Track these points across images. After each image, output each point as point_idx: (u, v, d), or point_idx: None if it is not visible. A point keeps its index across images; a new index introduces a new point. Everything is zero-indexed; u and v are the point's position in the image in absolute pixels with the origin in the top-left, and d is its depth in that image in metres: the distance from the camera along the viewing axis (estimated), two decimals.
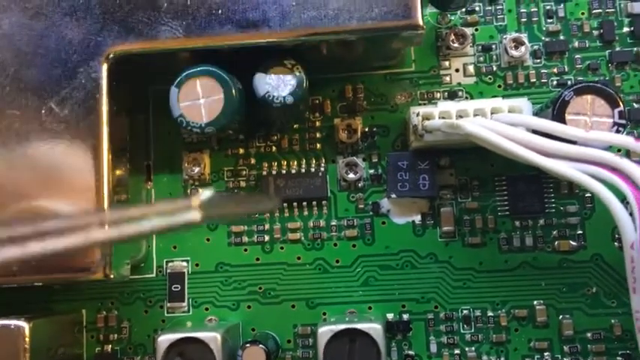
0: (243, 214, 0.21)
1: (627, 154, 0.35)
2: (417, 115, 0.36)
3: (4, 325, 0.32)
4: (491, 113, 0.34)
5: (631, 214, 0.30)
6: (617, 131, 0.32)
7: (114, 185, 0.35)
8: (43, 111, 0.33)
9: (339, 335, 0.33)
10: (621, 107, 0.33)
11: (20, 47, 0.34)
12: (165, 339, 0.34)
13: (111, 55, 0.33)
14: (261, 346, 0.35)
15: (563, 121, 0.33)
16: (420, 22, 0.33)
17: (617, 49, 0.39)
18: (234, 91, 0.34)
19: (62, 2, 0.34)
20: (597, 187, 0.30)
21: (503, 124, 0.33)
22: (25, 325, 0.32)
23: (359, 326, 0.33)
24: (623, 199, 0.30)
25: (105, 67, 0.33)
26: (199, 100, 0.34)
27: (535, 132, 0.32)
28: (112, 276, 0.33)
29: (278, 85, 0.34)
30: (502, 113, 0.34)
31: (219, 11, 0.33)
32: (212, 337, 0.33)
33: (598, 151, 0.31)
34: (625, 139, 0.31)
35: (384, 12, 0.33)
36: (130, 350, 0.39)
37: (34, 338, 0.33)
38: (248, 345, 0.35)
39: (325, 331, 0.33)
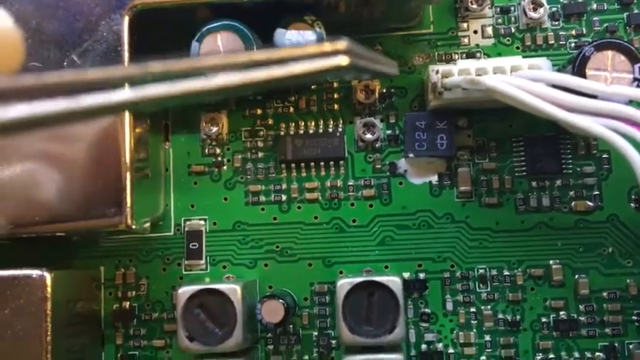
0: (376, 71, 0.20)
1: None
2: (437, 72, 0.36)
3: (26, 275, 0.33)
4: (511, 71, 0.34)
5: None
6: (638, 86, 0.33)
7: (134, 143, 0.35)
8: (65, 63, 0.33)
9: (358, 288, 0.34)
10: None
11: (42, 0, 0.34)
12: (185, 290, 0.34)
13: (133, 8, 0.33)
14: (280, 300, 0.35)
15: (583, 76, 0.33)
16: None
17: (635, 11, 0.39)
18: (255, 46, 0.34)
19: None
20: (618, 141, 0.31)
21: (524, 79, 0.33)
22: (47, 275, 0.33)
23: (378, 279, 0.34)
24: None
25: (126, 20, 0.34)
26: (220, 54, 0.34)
27: (556, 88, 0.32)
28: (133, 226, 0.33)
29: (298, 41, 0.35)
30: (522, 70, 0.34)
31: None
32: (232, 289, 0.34)
33: (619, 106, 0.31)
34: None
35: None
36: (148, 307, 0.39)
37: (55, 289, 0.33)
38: (267, 299, 0.35)
39: (344, 284, 0.34)
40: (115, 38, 0.34)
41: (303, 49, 0.18)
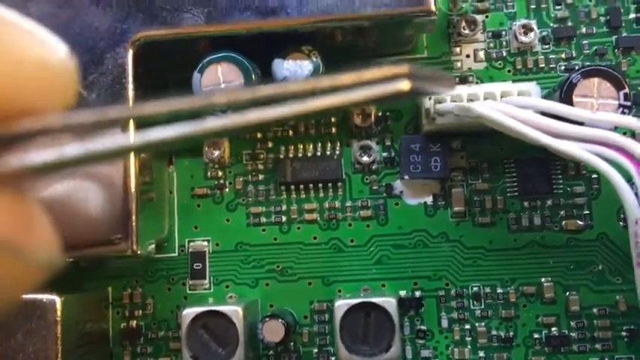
0: (433, 92, 0.19)
1: (632, 134, 0.36)
2: (430, 98, 0.37)
3: (36, 299, 0.34)
4: (501, 96, 0.36)
5: (636, 194, 0.31)
6: (623, 113, 0.34)
7: (139, 168, 0.36)
8: None
9: (354, 309, 0.35)
10: (626, 89, 0.34)
11: None
12: (189, 312, 0.35)
13: (136, 42, 0.35)
14: (280, 320, 0.36)
15: (570, 103, 0.34)
16: (433, 8, 0.34)
17: (624, 34, 0.40)
18: (253, 76, 0.35)
19: None
20: (603, 166, 0.32)
21: (512, 106, 0.34)
22: (57, 299, 0.34)
23: (374, 300, 0.35)
24: (630, 179, 0.31)
25: (130, 53, 0.35)
26: (220, 85, 0.35)
27: (544, 114, 0.34)
28: (139, 252, 0.34)
29: (295, 70, 0.36)
30: (512, 96, 0.35)
31: None
32: (234, 310, 0.35)
33: (604, 132, 0.32)
34: (630, 120, 0.33)
35: None
36: (154, 325, 0.40)
37: (64, 312, 0.34)
38: (268, 319, 0.37)
39: (341, 305, 0.35)
40: (120, 71, 0.35)
41: (366, 76, 0.17)
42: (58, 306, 0.34)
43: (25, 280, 0.17)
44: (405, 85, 0.17)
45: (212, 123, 0.17)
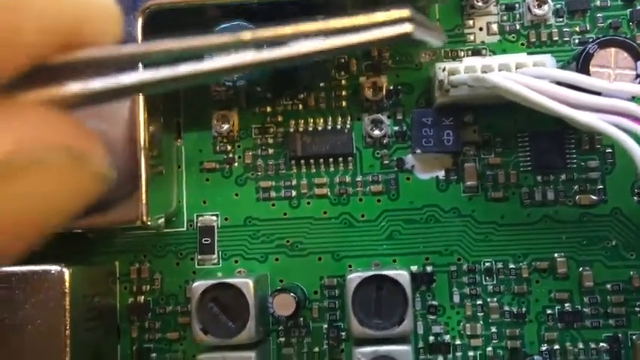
0: (429, 39, 0.20)
1: None
2: (443, 70, 0.37)
3: (45, 270, 0.34)
4: (516, 68, 0.35)
5: None
6: None
7: (148, 142, 0.36)
8: None
9: (367, 281, 0.34)
10: None
11: None
12: (199, 285, 0.35)
13: (146, 10, 0.34)
14: (291, 294, 0.36)
15: (587, 73, 0.33)
16: None
17: (639, 7, 0.39)
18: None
19: None
20: (620, 136, 0.31)
21: (529, 76, 0.33)
22: (66, 271, 0.34)
23: (386, 273, 0.34)
24: None
25: (140, 21, 0.34)
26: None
27: (560, 85, 0.33)
28: (149, 223, 0.34)
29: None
30: (527, 67, 0.35)
31: None
32: (244, 282, 0.35)
33: (621, 102, 0.32)
34: None
35: None
36: (162, 300, 0.40)
37: (73, 284, 0.34)
38: (278, 293, 0.36)
39: (354, 278, 0.35)
40: (129, 39, 0.34)
41: (372, 18, 0.18)
42: (67, 277, 0.34)
43: (88, 189, 0.19)
44: (408, 28, 0.17)
45: (228, 60, 0.17)
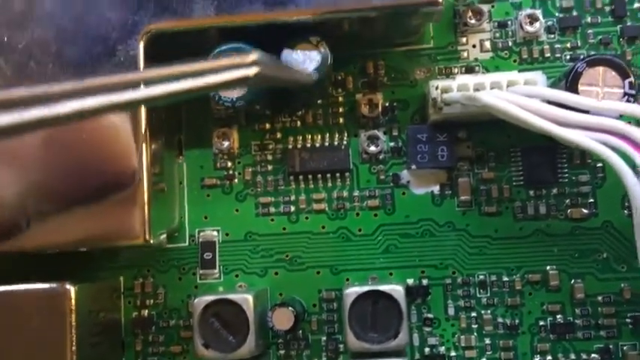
0: (286, 81, 0.21)
1: (637, 122, 0.37)
2: (437, 88, 0.38)
3: (51, 288, 0.35)
4: (508, 86, 0.36)
5: None
6: (628, 101, 0.34)
7: (150, 159, 0.37)
8: None
9: (363, 297, 0.35)
10: (631, 78, 0.34)
11: (62, 26, 0.36)
12: (201, 301, 0.36)
13: (147, 33, 0.35)
14: (290, 308, 0.37)
15: (576, 91, 0.34)
16: None
17: (629, 24, 0.40)
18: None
19: None
20: (608, 154, 0.32)
21: (519, 95, 0.34)
22: (72, 288, 0.35)
23: (382, 288, 0.35)
24: (634, 166, 0.32)
25: (142, 44, 0.35)
26: None
27: (550, 103, 0.34)
28: (151, 241, 0.35)
29: (304, 60, 0.36)
30: (518, 85, 0.36)
31: None
32: (244, 298, 0.36)
33: (609, 120, 0.33)
34: (634, 108, 0.33)
35: None
36: (165, 315, 0.41)
37: (78, 301, 0.35)
38: (277, 307, 0.37)
39: (350, 293, 0.35)
40: (131, 62, 0.35)
41: (218, 63, 0.21)
42: (73, 295, 0.35)
43: None
44: (251, 71, 0.19)
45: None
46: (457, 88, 0.37)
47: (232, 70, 0.19)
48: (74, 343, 0.34)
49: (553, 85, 0.37)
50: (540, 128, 0.33)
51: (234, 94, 0.36)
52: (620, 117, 0.34)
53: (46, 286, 0.35)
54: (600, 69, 0.34)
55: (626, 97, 0.34)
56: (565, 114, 0.33)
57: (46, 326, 0.34)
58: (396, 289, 0.35)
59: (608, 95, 0.34)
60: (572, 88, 0.34)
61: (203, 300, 0.36)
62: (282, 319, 0.37)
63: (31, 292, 0.34)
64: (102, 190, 0.35)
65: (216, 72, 0.19)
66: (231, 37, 0.36)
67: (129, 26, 0.35)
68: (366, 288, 0.36)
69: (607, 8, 0.40)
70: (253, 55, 0.19)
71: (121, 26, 0.35)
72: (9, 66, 0.36)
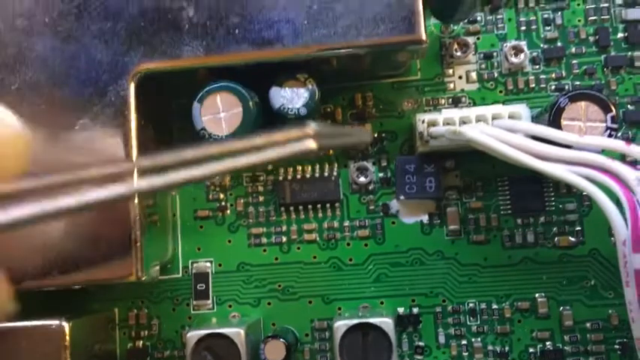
0: (346, 145, 0.22)
1: (621, 156, 0.37)
2: (423, 122, 0.38)
3: (45, 325, 0.35)
4: (492, 119, 0.37)
5: (623, 214, 0.32)
6: (610, 135, 0.35)
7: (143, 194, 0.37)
8: (77, 127, 0.36)
9: (353, 329, 0.36)
10: (613, 112, 0.35)
11: (54, 69, 0.36)
12: (193, 335, 0.36)
13: (138, 74, 0.36)
14: (281, 340, 0.38)
15: (559, 126, 0.35)
16: (424, 37, 0.35)
17: (613, 54, 0.41)
18: (251, 104, 0.36)
19: (91, 26, 0.36)
20: (591, 189, 0.33)
21: (502, 130, 0.35)
22: (66, 325, 0.35)
23: (371, 321, 0.36)
24: (617, 200, 0.32)
25: (132, 85, 0.36)
26: (220, 114, 0.36)
27: (533, 137, 0.35)
28: (143, 278, 0.36)
29: (292, 98, 0.37)
30: (502, 120, 0.36)
31: (237, 31, 0.36)
32: (236, 332, 0.36)
33: (591, 155, 0.33)
34: (616, 143, 0.34)
35: (390, 28, 0.35)
36: (160, 345, 0.42)
37: (73, 336, 0.36)
38: (269, 339, 0.38)
39: (340, 326, 0.36)
40: (122, 102, 0.36)
41: (276, 137, 0.21)
42: (67, 331, 0.35)
43: None
44: (311, 144, 0.20)
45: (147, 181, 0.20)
46: (443, 122, 0.38)
47: (292, 143, 0.20)
48: None
49: (538, 116, 0.38)
50: (524, 163, 0.34)
51: (224, 131, 0.36)
52: (603, 151, 0.34)
53: (39, 323, 0.35)
54: (582, 104, 0.35)
55: (609, 131, 0.35)
56: (548, 149, 0.34)
57: None
58: (386, 322, 0.36)
59: (591, 130, 0.35)
60: (555, 122, 0.35)
61: (195, 334, 0.36)
62: (275, 351, 0.38)
63: (25, 329, 0.35)
64: (93, 227, 0.36)
65: (274, 146, 0.20)
66: (220, 74, 0.37)
67: (119, 67, 0.36)
68: (355, 320, 0.36)
69: (591, 38, 0.41)
70: (311, 128, 0.20)
71: (112, 68, 0.36)
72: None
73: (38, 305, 0.38)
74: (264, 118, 0.38)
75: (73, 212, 0.20)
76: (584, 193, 0.40)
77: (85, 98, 0.36)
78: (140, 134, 0.37)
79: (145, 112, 0.37)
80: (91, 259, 0.36)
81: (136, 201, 0.36)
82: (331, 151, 0.42)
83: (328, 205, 0.42)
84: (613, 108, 0.35)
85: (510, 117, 0.37)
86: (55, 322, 0.35)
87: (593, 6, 0.41)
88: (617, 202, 0.32)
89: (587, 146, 0.34)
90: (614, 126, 0.35)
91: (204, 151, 0.21)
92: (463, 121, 0.37)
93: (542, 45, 0.41)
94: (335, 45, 0.36)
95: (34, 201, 0.20)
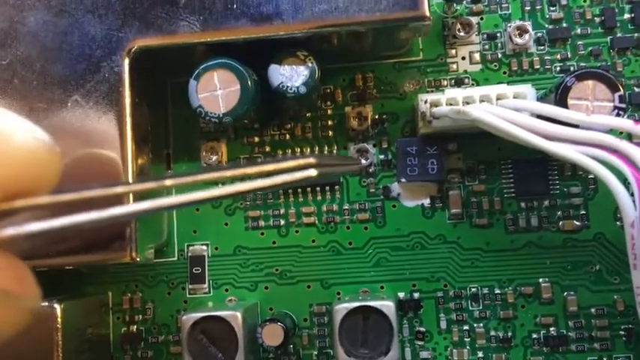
0: (341, 173, 0.25)
1: (628, 136, 0.37)
2: (425, 102, 0.37)
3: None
4: (497, 99, 0.36)
5: (632, 195, 0.31)
6: (618, 115, 0.34)
7: (137, 174, 0.36)
8: (69, 104, 0.35)
9: (353, 312, 0.35)
10: (621, 92, 0.34)
11: (46, 44, 0.35)
12: (188, 317, 0.35)
13: (132, 50, 0.35)
14: (279, 323, 0.37)
15: (565, 105, 0.34)
16: (427, 13, 0.34)
17: (619, 35, 0.40)
18: (249, 82, 0.35)
19: (84, 0, 0.35)
20: (598, 169, 0.32)
21: (508, 109, 0.34)
22: (57, 306, 0.34)
23: (372, 303, 0.35)
24: (625, 180, 0.31)
25: (127, 61, 0.35)
26: (217, 91, 0.35)
27: (539, 117, 0.34)
28: (137, 259, 0.35)
29: (291, 75, 0.36)
30: (507, 99, 0.35)
31: (235, 6, 0.35)
32: (233, 315, 0.35)
33: (599, 134, 0.32)
34: (625, 122, 0.33)
35: (392, 4, 0.34)
36: (155, 330, 0.41)
37: (65, 318, 0.35)
38: (267, 323, 0.37)
39: (340, 309, 0.35)
40: (116, 79, 0.35)
41: (281, 165, 0.22)
42: (58, 313, 0.34)
43: (15, 322, 0.21)
44: (313, 173, 0.22)
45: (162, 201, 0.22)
46: (446, 102, 0.37)
47: (294, 171, 0.22)
48: None
49: (543, 98, 0.37)
50: (530, 143, 0.33)
51: (221, 109, 0.35)
52: (611, 131, 0.33)
53: None
54: (590, 83, 0.34)
55: (616, 110, 0.34)
56: (555, 128, 0.33)
57: (32, 345, 0.34)
58: (387, 305, 0.35)
59: (598, 109, 0.34)
60: (562, 102, 0.34)
61: (191, 317, 0.36)
62: (272, 335, 0.37)
63: None
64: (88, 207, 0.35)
65: (279, 173, 0.22)
66: (218, 51, 0.36)
67: (113, 43, 0.35)
68: (356, 304, 0.35)
69: (597, 19, 0.40)
70: (313, 159, 0.22)
71: (105, 43, 0.35)
72: None
73: None
74: (263, 96, 0.37)
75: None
76: (590, 177, 0.39)
77: (78, 74, 0.35)
78: (134, 112, 0.36)
79: (140, 89, 0.36)
80: (85, 240, 0.35)
81: (130, 180, 0.35)
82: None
83: (328, 187, 0.41)
84: (621, 87, 0.34)
85: (515, 97, 0.36)
86: (46, 303, 0.34)
87: None
88: (625, 182, 0.31)
89: (595, 125, 0.33)
90: (622, 105, 0.34)
91: (218, 175, 0.23)
92: (466, 102, 0.36)
93: (547, 25, 0.40)
94: (336, 21, 0.35)
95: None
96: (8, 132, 0.20)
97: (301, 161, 0.22)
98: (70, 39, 0.35)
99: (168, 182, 0.23)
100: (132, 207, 0.22)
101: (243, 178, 0.23)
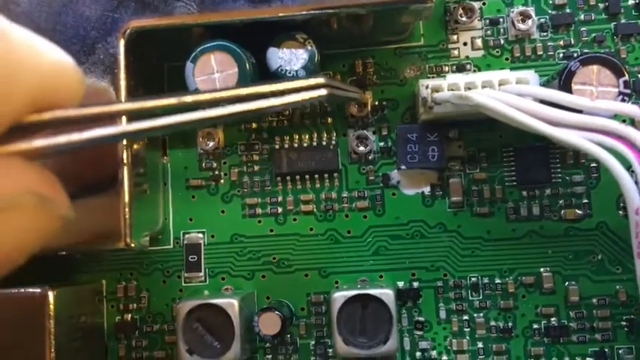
0: (345, 98, 0.27)
1: (632, 122, 0.36)
2: (427, 87, 0.36)
3: (29, 293, 0.34)
4: (499, 85, 0.35)
5: (636, 182, 0.31)
6: (622, 100, 0.33)
7: (132, 159, 0.35)
8: None
9: (351, 300, 0.34)
10: (626, 77, 0.33)
11: (39, 24, 0.34)
12: (184, 305, 0.35)
13: (128, 31, 0.34)
14: (276, 312, 0.36)
15: (569, 91, 0.33)
16: None
17: (623, 21, 0.39)
18: (247, 65, 0.35)
19: None
20: (603, 155, 0.31)
21: (511, 94, 0.33)
22: (50, 293, 0.34)
23: (371, 292, 0.34)
24: (629, 167, 0.31)
25: (122, 42, 0.34)
26: (214, 74, 0.35)
27: (542, 102, 0.33)
28: (132, 245, 0.34)
29: (290, 59, 0.35)
30: (510, 84, 0.35)
31: None
32: (229, 303, 0.35)
33: (604, 120, 0.32)
34: (630, 108, 0.32)
35: None
36: (149, 319, 0.40)
37: (57, 306, 0.34)
38: (264, 311, 0.36)
39: (339, 297, 0.35)
40: (111, 60, 0.34)
41: (293, 84, 0.23)
42: (51, 299, 0.34)
43: (49, 229, 0.22)
44: (323, 92, 0.22)
45: (185, 116, 0.23)
46: (448, 88, 0.36)
47: (303, 91, 0.23)
48: (53, 349, 0.33)
49: (546, 84, 0.36)
50: (533, 128, 0.32)
51: None
52: (615, 116, 0.33)
53: (22, 290, 0.33)
54: (594, 67, 0.34)
55: (621, 96, 0.33)
56: (558, 114, 0.32)
57: (24, 332, 0.33)
58: (386, 293, 0.34)
59: (603, 94, 0.33)
60: (566, 87, 0.34)
61: (187, 304, 0.35)
62: (269, 324, 0.36)
63: (8, 297, 0.33)
64: (82, 192, 0.34)
65: (291, 93, 0.23)
66: (215, 33, 0.35)
67: (108, 24, 0.34)
68: (354, 292, 0.35)
69: (601, 5, 0.39)
70: (322, 79, 0.23)
71: (100, 24, 0.34)
72: None
73: (22, 274, 0.36)
74: (261, 80, 0.36)
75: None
76: (592, 165, 0.39)
77: (72, 55, 0.33)
78: (130, 95, 0.35)
79: (136, 72, 0.36)
80: (79, 226, 0.34)
81: (126, 168, 0.35)
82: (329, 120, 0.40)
83: (326, 175, 0.40)
84: (626, 72, 0.33)
85: (518, 83, 0.35)
86: (38, 290, 0.34)
87: None
88: (630, 169, 0.31)
89: (600, 111, 0.32)
90: (627, 91, 0.33)
91: (213, 96, 0.23)
92: (468, 87, 0.36)
93: (550, 11, 0.40)
94: (335, 3, 0.34)
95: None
96: (40, 47, 0.23)
97: (311, 81, 0.22)
98: (64, 19, 0.34)
99: (188, 98, 0.23)
100: (143, 124, 0.24)
101: (254, 98, 0.23)
